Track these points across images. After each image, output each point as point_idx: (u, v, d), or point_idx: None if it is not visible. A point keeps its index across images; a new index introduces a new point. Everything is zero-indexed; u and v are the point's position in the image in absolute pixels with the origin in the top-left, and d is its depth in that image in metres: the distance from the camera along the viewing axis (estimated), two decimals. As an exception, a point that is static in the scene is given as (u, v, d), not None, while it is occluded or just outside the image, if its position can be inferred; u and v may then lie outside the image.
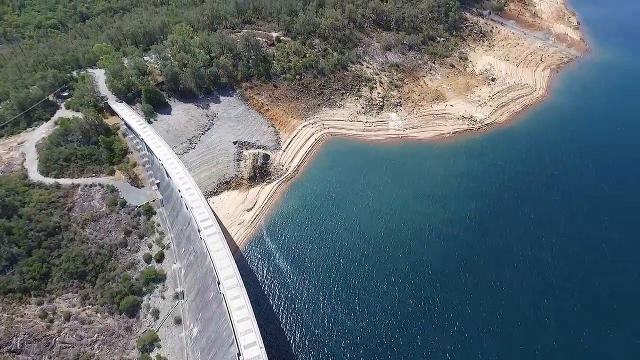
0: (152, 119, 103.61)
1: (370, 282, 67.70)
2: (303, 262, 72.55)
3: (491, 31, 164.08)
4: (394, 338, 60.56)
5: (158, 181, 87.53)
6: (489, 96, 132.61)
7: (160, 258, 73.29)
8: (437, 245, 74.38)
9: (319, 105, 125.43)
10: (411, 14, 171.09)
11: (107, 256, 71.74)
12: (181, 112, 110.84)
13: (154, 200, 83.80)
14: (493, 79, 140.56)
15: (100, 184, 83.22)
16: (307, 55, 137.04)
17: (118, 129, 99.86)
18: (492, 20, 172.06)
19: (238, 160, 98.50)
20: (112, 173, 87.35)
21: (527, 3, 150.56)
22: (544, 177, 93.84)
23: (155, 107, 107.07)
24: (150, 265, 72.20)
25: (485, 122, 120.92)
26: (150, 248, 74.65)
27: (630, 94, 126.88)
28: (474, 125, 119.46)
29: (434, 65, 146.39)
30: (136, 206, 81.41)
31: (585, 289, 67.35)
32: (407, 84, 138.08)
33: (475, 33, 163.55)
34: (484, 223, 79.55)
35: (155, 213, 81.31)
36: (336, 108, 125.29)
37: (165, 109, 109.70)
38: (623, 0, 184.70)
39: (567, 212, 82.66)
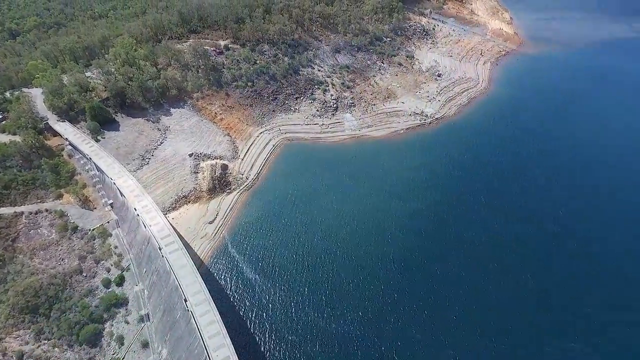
0: (99, 137, 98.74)
1: (338, 282, 68.30)
2: (270, 270, 71.98)
3: (433, 29, 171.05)
4: (367, 334, 61.48)
5: (111, 201, 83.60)
6: (437, 91, 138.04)
7: (120, 281, 69.88)
8: (400, 239, 76.31)
9: (273, 111, 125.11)
10: (356, 16, 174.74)
11: (61, 286, 67.39)
12: (130, 127, 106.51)
13: (108, 222, 79.86)
14: (439, 75, 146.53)
15: (47, 210, 78.12)
16: (258, 61, 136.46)
17: (63, 149, 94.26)
18: (433, 18, 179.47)
19: (195, 172, 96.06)
20: (59, 197, 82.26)
21: (463, 1, 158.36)
22: (492, 165, 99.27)
23: (101, 124, 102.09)
24: (110, 290, 68.67)
25: (436, 117, 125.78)
26: (108, 272, 71.00)
27: (560, 82, 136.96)
28: (425, 120, 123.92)
29: (382, 64, 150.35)
30: (89, 230, 77.17)
31: (540, 267, 71.57)
32: (359, 84, 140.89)
33: (419, 32, 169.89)
34: (441, 213, 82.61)
35: (111, 235, 77.47)
36: (291, 112, 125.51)
37: (112, 125, 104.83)
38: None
39: (513, 195, 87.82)
